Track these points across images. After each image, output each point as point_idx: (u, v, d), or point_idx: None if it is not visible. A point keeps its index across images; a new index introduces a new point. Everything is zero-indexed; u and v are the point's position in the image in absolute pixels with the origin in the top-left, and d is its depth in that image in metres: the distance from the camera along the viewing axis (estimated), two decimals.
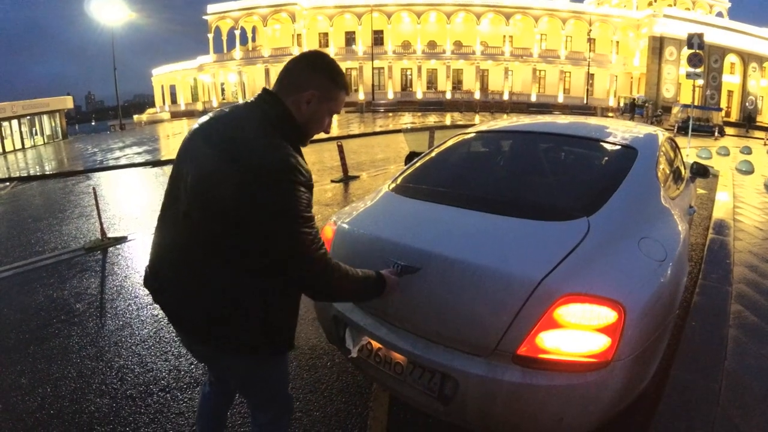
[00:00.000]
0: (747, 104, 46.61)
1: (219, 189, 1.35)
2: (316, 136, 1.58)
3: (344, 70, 1.57)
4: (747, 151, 16.19)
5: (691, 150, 13.34)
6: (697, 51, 12.69)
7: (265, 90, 1.50)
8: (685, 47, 13.41)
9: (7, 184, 14.66)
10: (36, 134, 36.05)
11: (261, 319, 1.44)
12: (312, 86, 1.47)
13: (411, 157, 3.59)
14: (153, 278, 1.59)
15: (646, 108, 37.67)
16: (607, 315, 1.65)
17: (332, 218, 2.52)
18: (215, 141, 1.41)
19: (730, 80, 47.75)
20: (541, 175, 2.85)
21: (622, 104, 43.94)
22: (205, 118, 1.53)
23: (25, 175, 15.94)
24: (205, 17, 51.21)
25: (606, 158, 2.82)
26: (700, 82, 29.87)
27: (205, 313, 1.45)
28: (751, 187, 8.94)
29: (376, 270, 1.70)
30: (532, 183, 2.73)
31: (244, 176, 1.32)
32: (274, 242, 1.34)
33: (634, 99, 41.04)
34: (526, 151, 3.11)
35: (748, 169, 11.06)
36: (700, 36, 12.63)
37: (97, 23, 41.83)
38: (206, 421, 1.90)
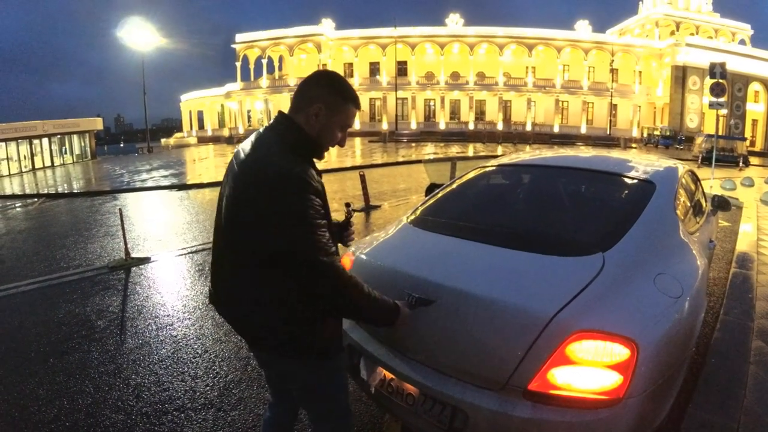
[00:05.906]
0: None
1: (242, 201, 1.51)
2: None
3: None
4: None
5: (714, 181, 13.11)
6: (720, 80, 12.58)
7: (279, 112, 1.63)
8: (708, 76, 13.30)
9: (36, 200, 15.16)
10: (65, 153, 37.37)
11: (284, 320, 1.53)
12: (318, 100, 1.57)
13: (431, 188, 3.65)
14: (212, 293, 1.74)
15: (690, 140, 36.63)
16: (620, 352, 1.63)
17: (351, 248, 2.56)
18: (240, 161, 1.57)
19: (755, 108, 47.12)
20: (559, 209, 2.85)
21: (645, 135, 43.53)
22: (241, 143, 1.68)
23: (53, 192, 16.47)
24: (233, 46, 52.88)
25: (624, 193, 2.82)
26: (724, 111, 29.47)
27: (245, 317, 1.61)
28: None
29: (393, 299, 1.74)
30: (549, 218, 2.73)
31: (259, 187, 1.45)
32: (287, 245, 1.43)
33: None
34: (545, 185, 3.13)
35: None
36: (722, 65, 12.52)
37: (128, 48, 43.38)
38: None
